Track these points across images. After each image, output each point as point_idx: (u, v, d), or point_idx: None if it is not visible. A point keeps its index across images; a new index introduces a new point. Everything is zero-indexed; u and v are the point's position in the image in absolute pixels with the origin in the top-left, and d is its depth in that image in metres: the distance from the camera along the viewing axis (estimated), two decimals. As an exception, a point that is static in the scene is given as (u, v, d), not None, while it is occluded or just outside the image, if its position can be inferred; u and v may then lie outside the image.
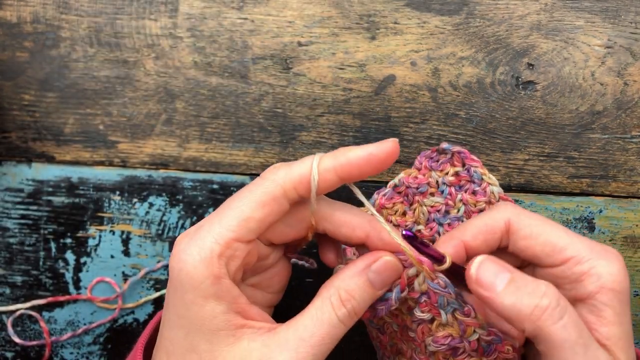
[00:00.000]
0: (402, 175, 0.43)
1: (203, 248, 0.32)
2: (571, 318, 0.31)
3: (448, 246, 0.36)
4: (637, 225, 0.47)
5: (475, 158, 0.43)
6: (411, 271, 0.35)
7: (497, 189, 0.43)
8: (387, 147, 0.33)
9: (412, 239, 0.32)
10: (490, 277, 0.32)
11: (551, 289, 0.31)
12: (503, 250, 0.37)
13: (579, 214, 0.47)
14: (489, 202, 0.43)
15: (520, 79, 0.46)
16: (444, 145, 0.43)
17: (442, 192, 0.43)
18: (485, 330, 0.36)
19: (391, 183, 0.43)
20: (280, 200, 0.34)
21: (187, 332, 0.33)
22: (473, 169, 0.43)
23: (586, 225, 0.47)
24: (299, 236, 0.37)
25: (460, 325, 0.36)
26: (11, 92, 0.48)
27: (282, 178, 0.34)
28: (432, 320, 0.36)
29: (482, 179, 0.43)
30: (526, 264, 0.37)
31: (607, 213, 0.47)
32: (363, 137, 0.47)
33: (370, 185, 0.47)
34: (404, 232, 0.32)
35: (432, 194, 0.43)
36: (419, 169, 0.43)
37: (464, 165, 0.43)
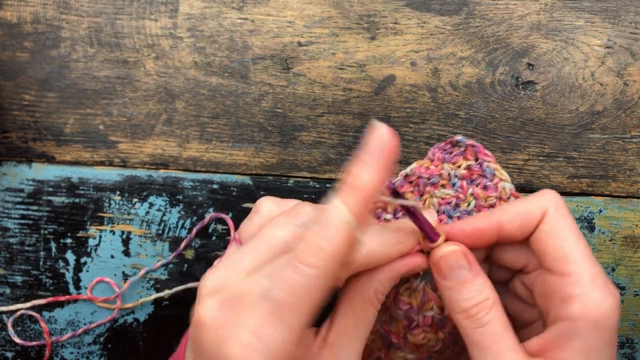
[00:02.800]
0: (414, 165, 0.43)
1: (278, 346, 0.28)
2: (493, 327, 0.33)
3: (483, 222, 0.35)
4: (637, 225, 0.47)
5: (488, 153, 0.43)
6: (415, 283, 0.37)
7: (508, 186, 0.43)
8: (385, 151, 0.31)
9: (394, 190, 0.34)
10: (450, 267, 0.34)
11: (488, 302, 0.33)
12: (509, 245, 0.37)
13: (579, 214, 0.47)
14: (500, 198, 0.43)
15: (520, 79, 0.46)
16: (458, 137, 0.43)
17: (454, 184, 0.43)
18: (440, 311, 0.38)
19: (402, 172, 0.43)
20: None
21: None
22: (486, 164, 0.43)
23: (586, 225, 0.47)
24: None
25: (422, 297, 0.37)
26: (11, 92, 0.48)
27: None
28: (402, 283, 0.38)
29: (494, 174, 0.43)
30: (531, 268, 0.37)
31: (607, 213, 0.47)
32: (363, 137, 0.47)
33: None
34: (387, 183, 0.34)
35: (443, 186, 0.43)
36: (431, 160, 0.43)
37: (476, 159, 0.43)
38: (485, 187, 0.43)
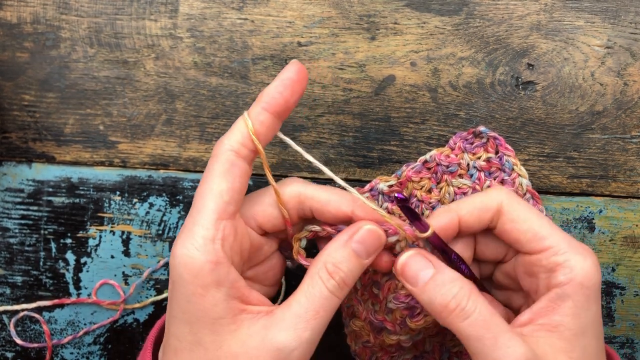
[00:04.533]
0: (434, 151, 0.43)
1: (194, 238, 0.34)
2: (480, 317, 0.33)
3: (444, 217, 0.37)
4: (637, 225, 0.47)
5: (509, 147, 0.43)
6: (391, 238, 0.37)
7: (525, 182, 0.43)
8: (293, 68, 0.36)
9: (404, 201, 0.35)
10: (414, 272, 0.35)
11: (464, 290, 0.34)
12: (487, 240, 0.39)
13: (579, 214, 0.47)
14: (516, 194, 0.43)
15: (520, 79, 0.46)
16: (481, 128, 0.43)
17: (472, 175, 0.43)
18: None
19: (422, 158, 0.43)
20: (237, 163, 0.35)
21: (191, 326, 0.34)
22: (505, 158, 0.43)
23: (586, 225, 0.47)
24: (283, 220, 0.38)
25: None
26: (11, 93, 0.48)
27: (227, 143, 0.35)
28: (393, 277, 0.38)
29: (513, 169, 0.43)
30: (509, 257, 0.39)
31: (607, 213, 0.47)
32: (363, 137, 0.47)
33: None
34: (396, 195, 0.35)
35: (460, 176, 0.43)
36: (452, 149, 0.43)
37: (497, 152, 0.43)
38: (502, 181, 0.43)
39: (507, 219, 0.37)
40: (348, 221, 0.37)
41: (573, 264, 0.35)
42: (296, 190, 0.38)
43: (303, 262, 0.38)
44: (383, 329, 0.40)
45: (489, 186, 0.43)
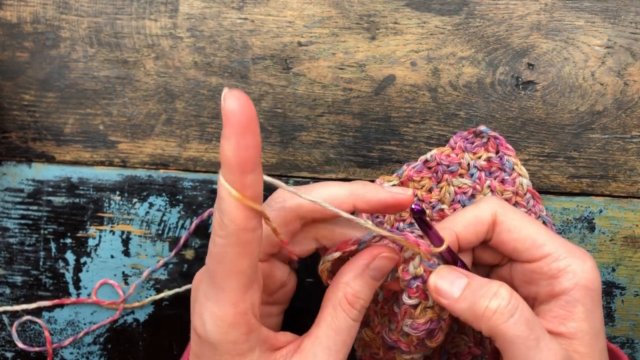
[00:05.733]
0: (434, 151, 0.43)
1: (224, 314, 0.32)
2: (523, 315, 0.32)
3: (445, 233, 0.36)
4: (637, 225, 0.47)
5: (509, 147, 0.43)
6: (407, 253, 0.36)
7: (526, 182, 0.42)
8: (234, 109, 0.29)
9: (420, 213, 0.33)
10: (448, 285, 0.34)
11: (503, 288, 0.33)
12: (485, 245, 0.38)
13: (579, 214, 0.47)
14: (516, 194, 0.43)
15: (520, 79, 0.46)
16: (482, 128, 0.42)
17: (472, 175, 0.43)
18: None
19: (422, 157, 0.43)
20: (252, 237, 0.32)
21: None
22: (506, 158, 0.42)
23: (586, 225, 0.47)
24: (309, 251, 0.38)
25: (439, 308, 0.36)
26: (11, 92, 0.48)
27: (233, 225, 0.31)
28: (417, 305, 0.36)
29: (513, 168, 0.43)
30: (505, 262, 0.39)
31: (607, 213, 0.47)
32: (363, 137, 0.47)
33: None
34: (413, 206, 0.33)
35: (461, 175, 0.43)
36: (452, 148, 0.43)
37: (497, 152, 0.43)
38: (502, 181, 0.43)
39: (503, 229, 0.36)
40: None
41: (575, 269, 0.34)
42: (294, 205, 0.36)
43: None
44: (396, 348, 0.39)
45: (489, 186, 0.43)
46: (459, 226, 0.36)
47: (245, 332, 0.33)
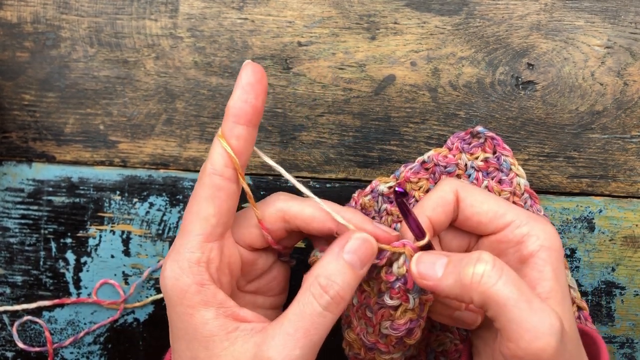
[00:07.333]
0: (431, 152, 0.43)
1: (180, 260, 0.35)
2: (510, 277, 0.32)
3: (421, 219, 0.37)
4: (637, 225, 0.47)
5: (507, 147, 0.43)
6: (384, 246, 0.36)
7: (523, 182, 0.43)
8: (249, 71, 0.35)
9: (402, 194, 0.34)
10: (430, 267, 0.34)
11: (485, 254, 0.33)
12: (452, 229, 0.39)
13: (579, 214, 0.47)
14: (514, 194, 0.43)
15: (520, 79, 0.46)
16: (479, 128, 0.42)
17: (469, 175, 0.43)
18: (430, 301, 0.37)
19: (420, 159, 0.43)
20: (222, 185, 0.35)
21: (187, 343, 0.34)
22: (503, 158, 0.43)
23: (586, 225, 0.47)
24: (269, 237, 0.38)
25: (420, 306, 0.36)
26: (11, 92, 0.48)
27: (210, 168, 0.35)
28: (397, 307, 0.36)
29: (510, 169, 0.43)
30: (473, 244, 0.39)
31: (607, 213, 0.47)
32: (363, 137, 0.47)
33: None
34: (396, 189, 0.34)
35: (458, 176, 0.43)
36: (449, 149, 0.43)
37: (494, 152, 0.43)
38: (500, 181, 0.43)
39: (466, 204, 0.37)
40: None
41: (537, 232, 0.36)
42: (279, 209, 0.38)
43: None
44: (375, 349, 0.39)
45: (486, 186, 0.42)
46: (428, 210, 0.37)
47: (196, 282, 0.34)
